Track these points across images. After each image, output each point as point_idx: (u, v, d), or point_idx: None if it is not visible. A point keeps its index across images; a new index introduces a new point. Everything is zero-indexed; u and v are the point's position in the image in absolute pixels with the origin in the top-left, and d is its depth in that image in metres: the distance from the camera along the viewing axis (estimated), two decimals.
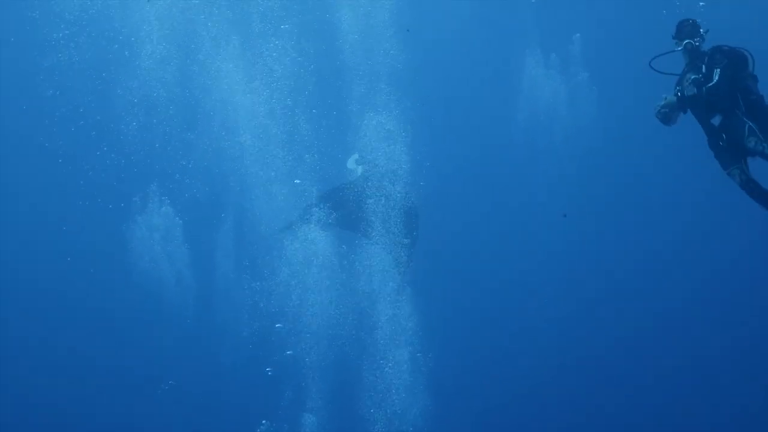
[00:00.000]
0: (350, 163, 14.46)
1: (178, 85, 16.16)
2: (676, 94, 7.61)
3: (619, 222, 20.49)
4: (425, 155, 15.21)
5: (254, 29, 15.68)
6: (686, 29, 7.56)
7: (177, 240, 17.61)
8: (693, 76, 7.46)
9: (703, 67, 7.40)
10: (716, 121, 7.45)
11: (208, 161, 16.90)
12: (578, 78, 19.74)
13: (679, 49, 7.58)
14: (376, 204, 13.83)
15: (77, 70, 16.56)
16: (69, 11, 15.90)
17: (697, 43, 7.49)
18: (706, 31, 7.52)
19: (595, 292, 19.73)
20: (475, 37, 21.18)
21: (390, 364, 14.36)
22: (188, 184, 17.22)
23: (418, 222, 14.50)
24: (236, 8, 16.15)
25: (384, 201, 13.84)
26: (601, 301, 19.68)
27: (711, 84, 7.28)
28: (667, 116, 7.68)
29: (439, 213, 16.76)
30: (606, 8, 20.86)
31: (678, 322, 19.27)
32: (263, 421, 15.18)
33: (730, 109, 7.30)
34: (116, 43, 16.15)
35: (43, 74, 16.52)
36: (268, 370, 15.81)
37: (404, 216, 14.07)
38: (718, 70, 7.29)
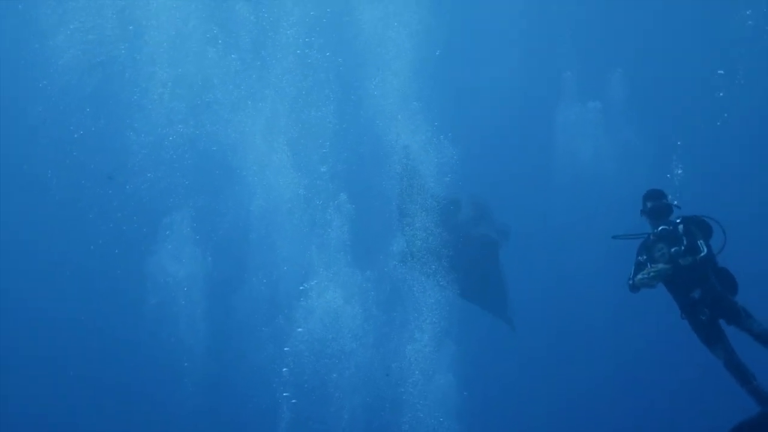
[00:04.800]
0: None
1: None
2: (643, 262, 7.41)
3: None
4: None
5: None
6: (657, 210, 7.47)
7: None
8: (674, 249, 7.23)
9: (684, 239, 7.21)
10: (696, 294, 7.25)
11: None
12: (623, 134, 18.27)
13: (657, 231, 7.40)
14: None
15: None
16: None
17: (671, 227, 7.35)
18: (677, 205, 7.53)
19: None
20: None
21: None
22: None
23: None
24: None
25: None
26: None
27: (702, 254, 7.13)
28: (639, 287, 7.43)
29: None
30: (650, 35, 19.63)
31: None
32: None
33: (708, 281, 7.19)
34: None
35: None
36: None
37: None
38: (702, 242, 7.17)
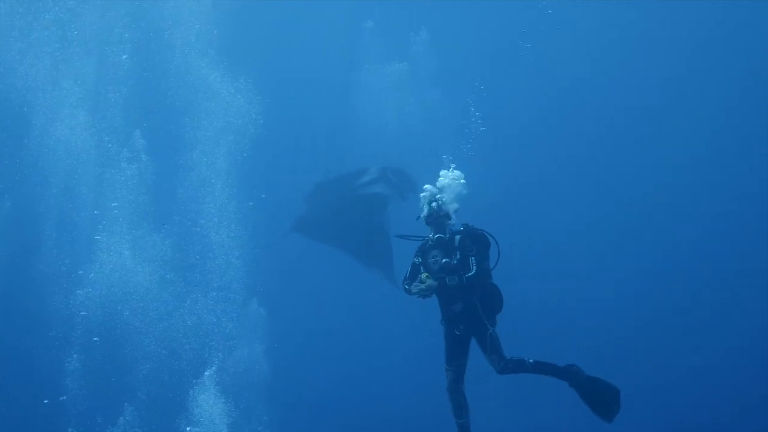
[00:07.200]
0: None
1: None
2: (417, 266, 7.40)
3: None
4: None
5: None
6: (435, 216, 7.36)
7: None
8: (445, 260, 7.27)
9: (458, 253, 7.26)
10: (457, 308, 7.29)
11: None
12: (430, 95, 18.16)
13: (433, 236, 7.35)
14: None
15: None
16: None
17: (447, 236, 7.33)
18: (456, 210, 7.43)
19: None
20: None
21: None
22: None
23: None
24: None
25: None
26: None
27: (470, 274, 7.15)
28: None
29: None
30: None
31: None
32: None
33: (471, 297, 7.22)
34: None
35: None
36: None
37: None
38: (474, 259, 7.20)
